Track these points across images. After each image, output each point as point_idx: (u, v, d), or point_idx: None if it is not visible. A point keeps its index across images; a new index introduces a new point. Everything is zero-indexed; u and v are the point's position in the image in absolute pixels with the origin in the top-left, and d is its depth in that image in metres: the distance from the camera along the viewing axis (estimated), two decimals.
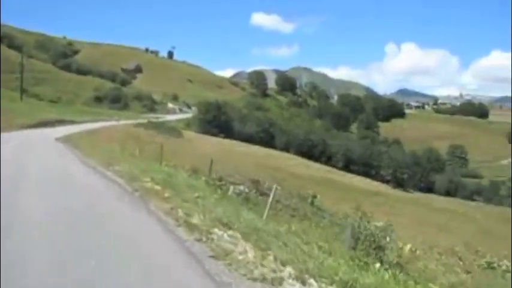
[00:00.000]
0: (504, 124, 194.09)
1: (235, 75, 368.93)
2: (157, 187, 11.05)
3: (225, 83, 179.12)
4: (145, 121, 72.98)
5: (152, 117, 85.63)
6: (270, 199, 10.15)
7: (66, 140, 32.91)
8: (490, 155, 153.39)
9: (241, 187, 13.55)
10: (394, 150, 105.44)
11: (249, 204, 11.64)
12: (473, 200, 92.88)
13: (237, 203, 11.04)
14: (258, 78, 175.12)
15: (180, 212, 8.46)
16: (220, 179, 13.99)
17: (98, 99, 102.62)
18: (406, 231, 23.90)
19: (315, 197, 24.55)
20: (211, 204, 9.47)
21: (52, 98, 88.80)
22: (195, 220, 7.86)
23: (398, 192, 75.66)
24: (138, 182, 11.91)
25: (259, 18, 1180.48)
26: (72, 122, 55.37)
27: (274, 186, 10.29)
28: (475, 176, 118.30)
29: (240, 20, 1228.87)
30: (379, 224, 9.98)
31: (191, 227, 7.51)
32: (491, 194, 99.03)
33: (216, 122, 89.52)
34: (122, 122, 68.38)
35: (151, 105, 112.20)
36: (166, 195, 10.07)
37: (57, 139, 32.77)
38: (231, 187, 13.61)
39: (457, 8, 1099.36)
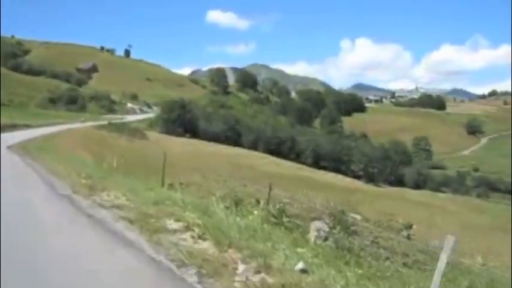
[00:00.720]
0: (461, 116, 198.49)
1: (192, 73, 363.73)
2: (207, 245, 6.38)
3: (185, 81, 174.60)
4: (105, 123, 68.60)
5: (112, 118, 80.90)
6: (443, 264, 4.89)
7: (22, 149, 26.49)
8: (450, 146, 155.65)
9: (320, 224, 9.56)
10: (362, 144, 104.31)
11: (352, 257, 7.36)
12: (441, 191, 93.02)
13: (341, 262, 6.62)
14: (218, 76, 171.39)
15: None
16: (285, 213, 9.15)
17: (53, 101, 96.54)
18: None
19: (409, 227, 17.87)
20: None
21: (2, 101, 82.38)
22: None
23: (373, 188, 74.16)
24: (166, 234, 6.93)
25: (215, 15, 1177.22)
26: (27, 127, 50.24)
27: (452, 240, 4.58)
28: (440, 168, 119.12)
29: (195, 18, 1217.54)
30: None
31: None
32: (457, 185, 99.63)
33: (181, 121, 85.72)
34: (88, 123, 64.27)
35: (109, 106, 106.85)
36: (243, 269, 5.45)
37: (9, 148, 26.40)
38: (311, 226, 9.25)
39: (408, 3, 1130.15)
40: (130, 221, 7.70)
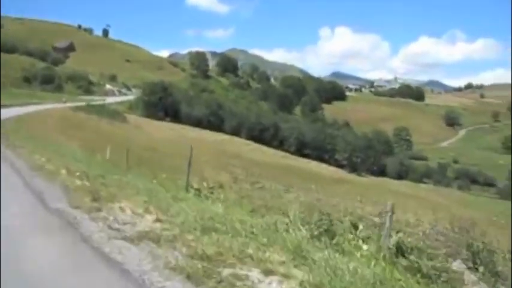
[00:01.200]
0: (439, 107, 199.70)
1: (170, 56, 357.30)
2: None
3: (165, 64, 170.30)
4: (83, 104, 65.57)
5: (91, 99, 77.52)
6: None
7: None
8: (430, 137, 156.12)
9: (458, 263, 6.82)
10: (345, 133, 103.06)
11: None
12: (423, 182, 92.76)
13: None
14: (199, 59, 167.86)
15: None
16: (407, 247, 6.37)
17: (27, 80, 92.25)
18: None
19: None
20: None
21: None
22: None
23: (358, 178, 73.08)
24: None
25: None
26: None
27: None
28: (421, 158, 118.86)
29: (175, 0, 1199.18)
30: None
31: None
32: (439, 176, 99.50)
33: (162, 104, 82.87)
34: (69, 104, 61.74)
35: (87, 87, 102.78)
36: None
37: None
38: (465, 274, 6.35)
39: None
40: (188, 276, 4.37)
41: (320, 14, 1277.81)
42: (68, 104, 61.12)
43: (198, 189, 10.06)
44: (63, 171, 10.71)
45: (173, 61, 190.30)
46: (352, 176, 72.87)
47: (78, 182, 9.46)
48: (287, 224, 6.49)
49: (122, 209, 7.27)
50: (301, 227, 6.28)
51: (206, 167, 28.42)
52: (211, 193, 10.18)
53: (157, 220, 6.62)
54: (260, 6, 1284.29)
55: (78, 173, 10.54)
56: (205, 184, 10.95)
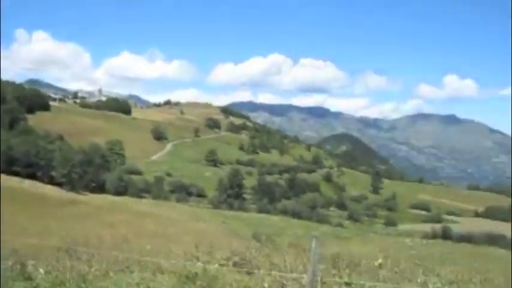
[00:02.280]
0: (146, 121, 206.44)
1: None
2: None
3: None
4: None
5: None
6: None
7: None
8: (139, 151, 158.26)
9: None
10: (60, 146, 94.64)
11: None
12: (142, 196, 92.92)
13: None
14: None
15: None
16: None
17: None
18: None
19: None
20: None
21: None
22: None
23: (83, 196, 68.02)
24: None
25: None
26: None
27: None
28: (136, 173, 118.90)
29: None
30: None
31: None
32: (157, 190, 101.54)
33: None
34: None
35: None
36: None
37: None
38: None
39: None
40: None
41: (17, 15, 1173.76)
42: None
43: None
44: None
45: None
46: (76, 195, 67.41)
47: None
48: None
49: None
50: None
51: None
52: None
53: None
54: None
55: None
56: None
